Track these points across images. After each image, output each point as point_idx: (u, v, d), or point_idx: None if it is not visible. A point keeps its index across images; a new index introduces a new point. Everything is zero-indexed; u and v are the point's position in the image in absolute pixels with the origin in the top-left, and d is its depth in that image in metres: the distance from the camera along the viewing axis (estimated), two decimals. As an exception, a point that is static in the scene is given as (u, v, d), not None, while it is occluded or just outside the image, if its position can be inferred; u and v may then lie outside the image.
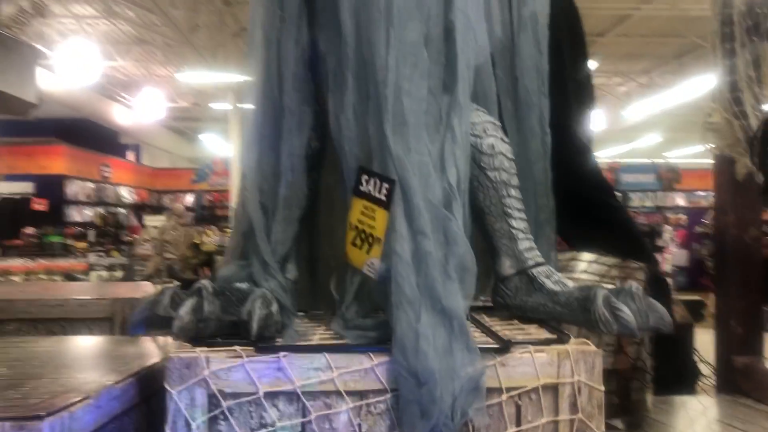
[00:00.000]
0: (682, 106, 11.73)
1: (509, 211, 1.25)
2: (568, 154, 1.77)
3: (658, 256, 5.78)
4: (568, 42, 1.88)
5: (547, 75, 1.34)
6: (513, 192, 1.26)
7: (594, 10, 10.75)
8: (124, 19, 11.14)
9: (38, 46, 9.43)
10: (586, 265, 1.76)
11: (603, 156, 18.32)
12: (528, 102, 1.32)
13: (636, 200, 14.76)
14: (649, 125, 15.41)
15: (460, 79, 1.10)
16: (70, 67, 9.98)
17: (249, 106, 1.21)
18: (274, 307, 1.09)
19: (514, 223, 1.25)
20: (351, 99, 1.11)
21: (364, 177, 1.09)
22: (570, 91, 1.87)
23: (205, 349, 1.05)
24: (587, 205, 1.84)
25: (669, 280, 4.88)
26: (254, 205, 1.18)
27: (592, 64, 11.17)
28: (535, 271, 1.23)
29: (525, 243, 1.25)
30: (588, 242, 1.91)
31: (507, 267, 1.25)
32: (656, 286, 1.97)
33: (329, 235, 1.32)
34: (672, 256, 11.52)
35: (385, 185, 1.05)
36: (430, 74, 1.08)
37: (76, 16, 11.03)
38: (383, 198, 1.05)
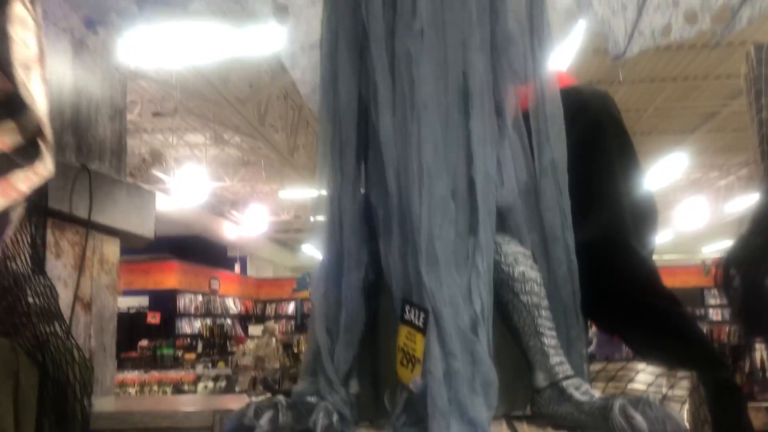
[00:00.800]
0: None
1: (541, 330, 1.43)
2: (624, 264, 1.89)
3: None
4: (618, 159, 2.01)
5: (569, 211, 1.54)
6: (544, 313, 1.45)
7: (682, 109, 10.82)
8: (231, 145, 12.18)
9: (158, 172, 10.44)
10: (635, 374, 1.86)
11: (708, 251, 17.61)
12: (553, 235, 1.52)
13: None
14: (754, 218, 14.79)
15: (481, 224, 1.33)
16: (183, 189, 10.96)
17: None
18: (335, 418, 1.31)
19: (545, 340, 1.43)
20: (396, 243, 1.36)
21: (407, 307, 1.32)
22: (625, 206, 1.99)
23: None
24: (648, 315, 1.93)
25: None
26: (321, 330, 1.43)
27: (682, 160, 11.03)
28: (565, 383, 1.39)
29: (556, 358, 1.42)
30: (650, 350, 1.99)
31: (541, 380, 1.42)
32: (722, 393, 2.00)
33: (387, 356, 1.53)
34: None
35: (422, 314, 1.27)
36: (457, 221, 1.32)
37: (189, 144, 12.18)
38: (421, 325, 1.27)
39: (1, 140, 0.78)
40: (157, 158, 9.20)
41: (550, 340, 1.44)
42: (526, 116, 1.58)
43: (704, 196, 14.94)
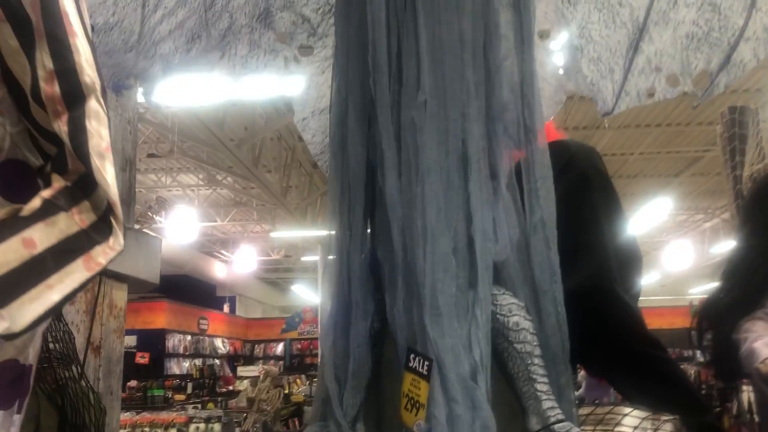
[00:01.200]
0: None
1: (534, 376, 1.54)
2: (610, 311, 2.00)
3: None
4: (604, 210, 2.13)
5: (558, 266, 1.66)
6: (536, 360, 1.56)
7: (667, 154, 11.09)
8: (223, 185, 12.31)
9: (158, 217, 10.50)
10: (622, 418, 1.97)
11: (695, 293, 17.77)
12: (542, 289, 1.64)
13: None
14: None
15: (480, 279, 1.45)
16: (175, 229, 11.04)
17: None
18: (346, 460, 1.41)
19: (538, 386, 1.54)
20: (401, 295, 1.47)
21: (412, 355, 1.43)
22: (610, 255, 2.10)
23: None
24: (633, 360, 2.03)
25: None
26: (330, 377, 1.53)
27: (667, 203, 11.24)
28: (556, 426, 1.50)
29: (548, 403, 1.53)
30: (636, 394, 2.09)
31: (534, 423, 1.53)
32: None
33: (391, 400, 1.63)
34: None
35: (426, 362, 1.38)
36: (457, 276, 1.44)
37: (182, 185, 12.29)
38: (425, 372, 1.38)
39: (81, 219, 0.89)
40: (162, 206, 9.34)
41: (542, 386, 1.55)
42: (519, 173, 1.71)
43: (690, 238, 15.18)
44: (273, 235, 13.39)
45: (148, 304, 14.00)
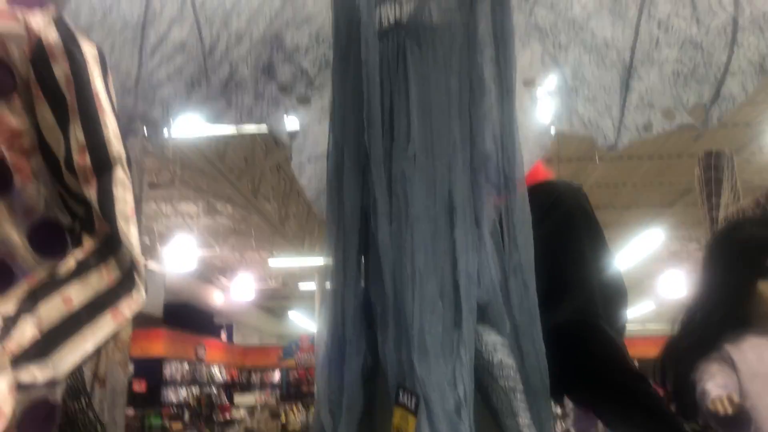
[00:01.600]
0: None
1: (516, 411, 1.65)
2: (595, 345, 2.09)
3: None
4: (589, 248, 2.23)
5: (536, 309, 1.73)
6: (519, 396, 1.66)
7: (659, 185, 11.25)
8: (222, 214, 12.43)
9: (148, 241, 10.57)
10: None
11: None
12: (522, 330, 1.74)
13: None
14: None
15: (464, 320, 1.56)
16: (174, 258, 11.12)
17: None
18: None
19: (521, 420, 1.64)
20: (391, 335, 1.58)
21: (401, 391, 1.54)
22: (595, 291, 2.20)
23: None
24: (617, 392, 2.12)
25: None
26: (325, 413, 1.64)
27: (659, 234, 11.33)
28: (537, 457, 1.61)
29: (529, 436, 1.64)
30: (620, 425, 2.18)
31: (516, 454, 1.63)
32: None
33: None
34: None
35: (414, 398, 1.49)
36: (443, 318, 1.55)
37: (182, 214, 12.40)
38: (413, 408, 1.49)
39: (108, 276, 1.02)
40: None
41: (524, 419, 1.65)
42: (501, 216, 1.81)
43: (684, 267, 15.27)
44: (271, 261, 13.48)
45: (146, 332, 13.99)
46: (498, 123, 1.77)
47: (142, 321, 2.87)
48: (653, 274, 15.48)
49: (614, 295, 2.24)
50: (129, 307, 1.04)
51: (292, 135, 2.04)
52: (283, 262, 13.18)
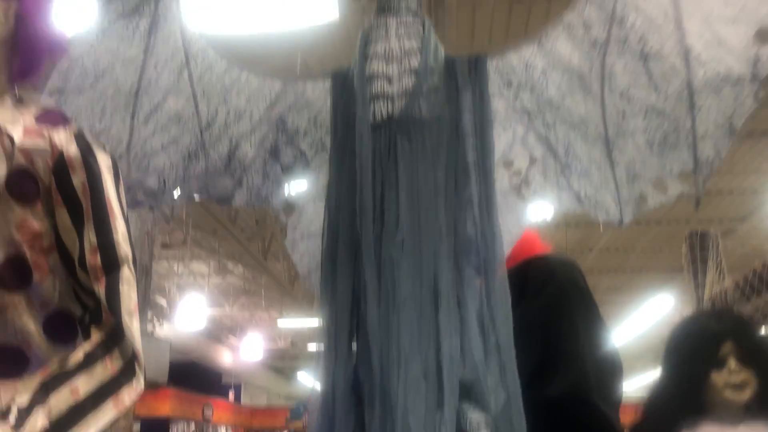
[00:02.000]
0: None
1: (503, 478, 1.71)
2: (586, 419, 2.13)
3: None
4: (583, 323, 2.27)
5: (515, 389, 1.73)
6: (502, 472, 1.73)
7: (669, 251, 11.25)
8: (233, 274, 12.54)
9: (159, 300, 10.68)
10: None
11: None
12: (500, 411, 1.79)
13: None
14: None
15: (446, 401, 1.63)
16: (183, 317, 11.20)
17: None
18: None
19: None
20: (378, 413, 1.65)
21: (387, 469, 1.61)
22: (588, 366, 2.22)
23: None
24: None
25: None
26: (316, 486, 1.71)
27: (668, 299, 11.20)
28: None
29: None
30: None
31: None
32: None
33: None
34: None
35: (398, 476, 1.56)
36: (426, 398, 1.63)
37: (193, 273, 12.53)
38: (399, 482, 1.56)
39: (112, 365, 1.15)
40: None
41: (508, 494, 1.71)
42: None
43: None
44: (280, 322, 13.50)
45: (152, 392, 13.92)
46: (477, 207, 1.84)
47: (146, 384, 2.95)
48: (665, 338, 15.29)
49: (609, 369, 2.27)
50: (129, 395, 1.16)
51: (288, 212, 2.13)
52: (292, 322, 13.21)
